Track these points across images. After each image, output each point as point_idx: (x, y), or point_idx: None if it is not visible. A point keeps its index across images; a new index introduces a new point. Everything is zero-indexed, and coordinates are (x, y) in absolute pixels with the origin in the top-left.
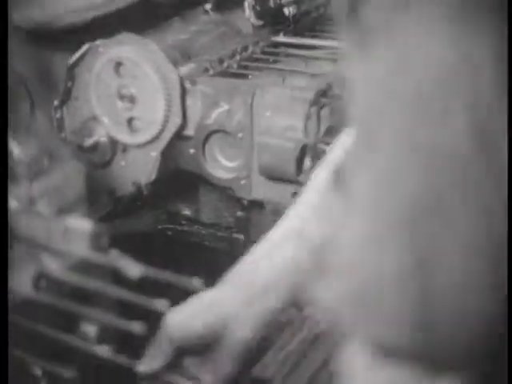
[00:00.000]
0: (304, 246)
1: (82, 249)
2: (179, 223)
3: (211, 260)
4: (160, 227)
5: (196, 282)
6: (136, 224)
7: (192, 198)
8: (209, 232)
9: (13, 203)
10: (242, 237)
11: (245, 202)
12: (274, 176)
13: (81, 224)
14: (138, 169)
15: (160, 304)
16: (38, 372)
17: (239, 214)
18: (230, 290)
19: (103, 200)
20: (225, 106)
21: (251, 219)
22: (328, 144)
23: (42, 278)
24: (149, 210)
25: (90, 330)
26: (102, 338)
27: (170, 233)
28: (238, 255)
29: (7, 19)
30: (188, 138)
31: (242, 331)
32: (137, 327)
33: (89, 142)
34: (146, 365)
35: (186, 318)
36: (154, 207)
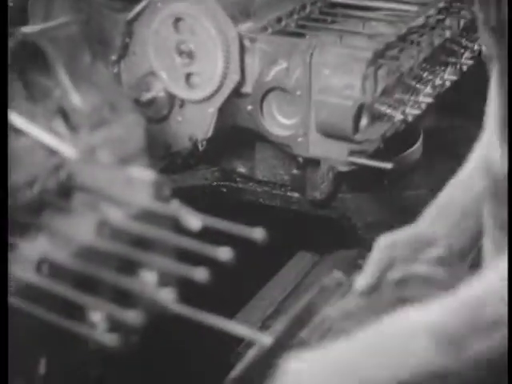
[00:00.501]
0: None
1: (144, 198)
2: (234, 180)
3: (265, 218)
4: (214, 184)
5: (259, 232)
6: (190, 180)
7: (247, 155)
8: (263, 190)
9: (72, 152)
10: (296, 195)
11: (300, 160)
12: (330, 134)
13: (143, 174)
14: (195, 125)
15: (224, 252)
16: (97, 317)
17: (295, 171)
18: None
19: (159, 154)
20: (283, 64)
21: (307, 177)
22: (384, 104)
23: (103, 226)
24: (204, 167)
25: (151, 277)
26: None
27: (224, 190)
28: (292, 213)
29: (7, 19)
30: (246, 95)
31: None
32: (201, 274)
33: (146, 96)
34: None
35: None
36: (209, 164)
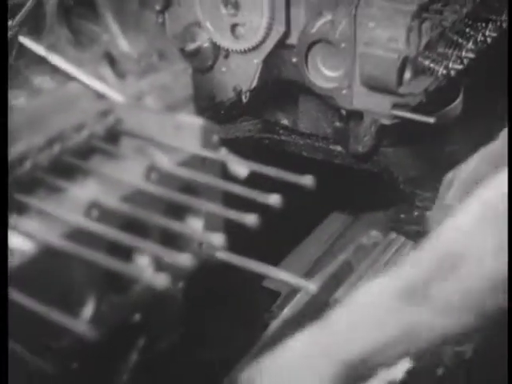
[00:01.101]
0: None
1: (193, 144)
2: (277, 133)
3: (307, 171)
4: (257, 136)
5: (308, 179)
6: (233, 132)
7: (291, 108)
8: (306, 142)
9: (120, 98)
10: (339, 148)
11: (343, 113)
12: (374, 86)
13: (193, 120)
14: (239, 75)
15: (273, 198)
16: (145, 261)
17: (337, 124)
18: None
19: (203, 105)
20: (328, 16)
21: (349, 130)
22: (427, 58)
23: (152, 172)
24: (247, 119)
25: (198, 224)
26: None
27: (267, 142)
28: (334, 166)
29: (7, 19)
30: (291, 46)
31: None
32: (251, 219)
33: (191, 46)
34: None
35: None
36: (252, 116)
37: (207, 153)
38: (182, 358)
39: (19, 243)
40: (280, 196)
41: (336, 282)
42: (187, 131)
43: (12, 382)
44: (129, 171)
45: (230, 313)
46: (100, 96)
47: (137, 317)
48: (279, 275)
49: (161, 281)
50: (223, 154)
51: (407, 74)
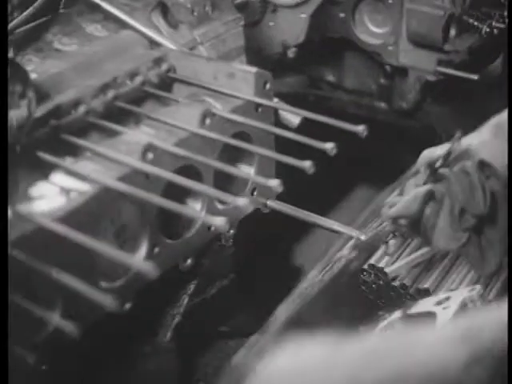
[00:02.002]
0: None
1: (246, 92)
2: (322, 89)
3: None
4: (302, 92)
5: (361, 128)
6: (279, 87)
7: (336, 64)
8: (350, 99)
9: (173, 46)
10: (383, 105)
11: (388, 69)
12: (420, 43)
13: (247, 69)
14: (287, 30)
15: (329, 145)
16: (198, 206)
17: (382, 81)
18: None
19: (250, 59)
20: None
21: (394, 87)
22: (472, 16)
23: (207, 117)
24: (292, 74)
25: (250, 171)
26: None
27: (311, 98)
28: (379, 123)
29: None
30: (338, 2)
31: None
32: (307, 164)
33: (239, 0)
34: None
35: None
36: (297, 71)
37: (261, 100)
38: (230, 304)
39: (76, 185)
40: (335, 144)
41: (371, 250)
42: (241, 79)
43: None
44: (183, 117)
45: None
46: (153, 44)
47: (189, 262)
48: (329, 224)
49: (220, 221)
50: (276, 101)
51: (452, 32)
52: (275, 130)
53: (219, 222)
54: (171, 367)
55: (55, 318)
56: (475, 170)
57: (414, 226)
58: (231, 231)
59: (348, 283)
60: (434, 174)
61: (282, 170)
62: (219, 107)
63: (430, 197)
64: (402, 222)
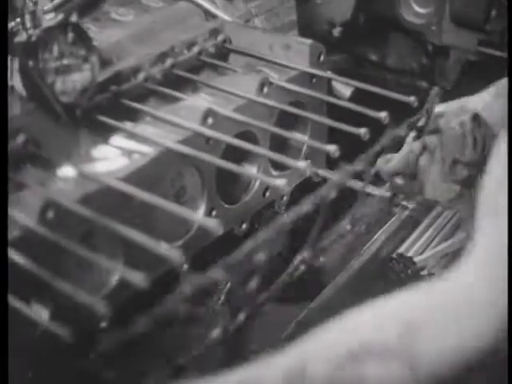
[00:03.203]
0: None
1: (301, 63)
2: (365, 67)
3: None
4: (346, 70)
5: (412, 99)
6: None
7: (380, 43)
8: (392, 77)
9: (229, 18)
10: (424, 84)
11: (430, 49)
12: (463, 23)
13: (301, 40)
14: (334, 8)
15: (382, 114)
16: (254, 169)
17: (424, 60)
18: None
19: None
20: None
21: (435, 66)
22: None
23: (265, 85)
24: (336, 52)
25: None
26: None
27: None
28: (420, 102)
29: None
30: None
31: None
32: (362, 131)
33: None
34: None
35: None
36: (341, 50)
37: (315, 71)
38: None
39: (137, 147)
40: (388, 113)
41: (400, 236)
42: (296, 50)
43: None
44: (241, 85)
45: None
46: (208, 15)
47: (244, 226)
48: (376, 192)
49: (280, 182)
50: (329, 73)
51: (493, 12)
52: (330, 99)
53: (280, 182)
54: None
55: (121, 269)
56: (469, 122)
57: (412, 183)
58: (285, 198)
59: (376, 271)
60: (419, 133)
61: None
62: (275, 77)
63: (423, 149)
64: (399, 180)
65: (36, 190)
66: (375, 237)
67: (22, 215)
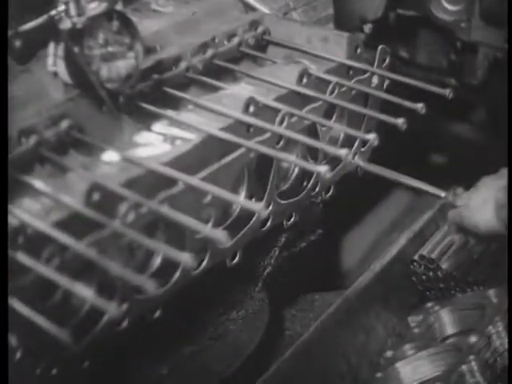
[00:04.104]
0: None
1: (339, 54)
2: (394, 64)
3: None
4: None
5: (447, 91)
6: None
7: (409, 40)
8: (421, 74)
9: (266, 9)
10: (453, 81)
11: (458, 46)
12: (492, 20)
13: (339, 33)
14: (367, 4)
15: (419, 106)
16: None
17: (453, 57)
18: None
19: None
20: None
21: (464, 63)
22: None
23: (304, 76)
24: (367, 48)
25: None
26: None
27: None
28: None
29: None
30: None
31: None
32: (400, 122)
33: None
34: None
35: None
36: (371, 46)
37: (352, 63)
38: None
39: (180, 134)
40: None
41: (422, 238)
42: (334, 43)
43: None
44: (281, 76)
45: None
46: (248, 8)
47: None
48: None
49: (323, 169)
50: (365, 65)
51: None
52: (368, 90)
53: (322, 169)
54: (260, 316)
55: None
56: None
57: None
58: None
59: (399, 273)
60: None
61: None
62: (314, 68)
63: None
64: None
65: (81, 174)
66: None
67: (68, 197)
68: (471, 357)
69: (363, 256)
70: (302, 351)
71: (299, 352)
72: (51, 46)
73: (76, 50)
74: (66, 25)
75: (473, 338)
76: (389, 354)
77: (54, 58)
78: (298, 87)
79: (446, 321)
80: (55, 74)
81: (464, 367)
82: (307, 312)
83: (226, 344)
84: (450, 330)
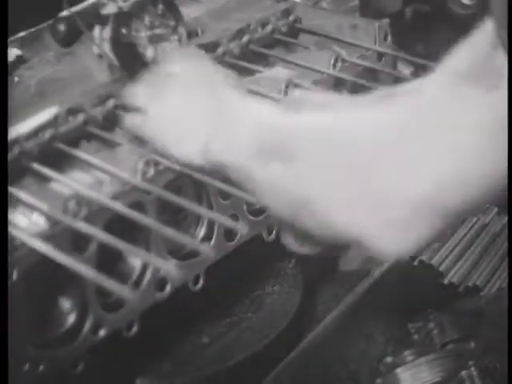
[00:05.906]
0: None
1: (367, 41)
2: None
3: None
4: None
5: None
6: None
7: (426, 34)
8: None
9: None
10: None
11: None
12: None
13: (368, 21)
14: None
15: None
16: None
17: None
18: None
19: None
20: None
21: None
22: None
23: (338, 61)
24: None
25: None
26: None
27: None
28: None
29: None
30: None
31: None
32: None
33: None
34: None
35: None
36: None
37: (383, 49)
38: None
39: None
40: None
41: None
42: (363, 30)
43: None
44: (316, 61)
45: None
46: None
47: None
48: None
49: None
50: (394, 51)
51: None
52: (398, 74)
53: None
54: (294, 291)
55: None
56: None
57: None
58: None
59: (398, 279)
60: None
61: None
62: (345, 53)
63: None
64: None
65: (131, 150)
66: None
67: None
68: (470, 362)
69: None
70: (300, 358)
71: (298, 358)
72: (96, 30)
73: (123, 32)
74: (111, 9)
75: (472, 344)
76: (388, 360)
77: (99, 41)
78: (333, 71)
79: (446, 327)
80: (100, 56)
81: (463, 373)
82: (338, 288)
83: (262, 317)
84: (449, 335)
